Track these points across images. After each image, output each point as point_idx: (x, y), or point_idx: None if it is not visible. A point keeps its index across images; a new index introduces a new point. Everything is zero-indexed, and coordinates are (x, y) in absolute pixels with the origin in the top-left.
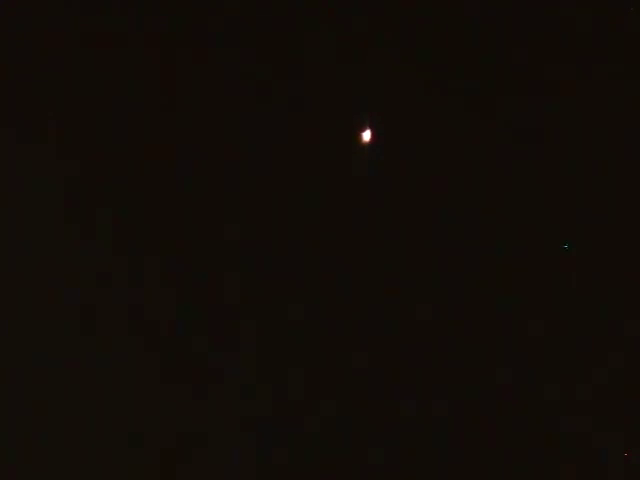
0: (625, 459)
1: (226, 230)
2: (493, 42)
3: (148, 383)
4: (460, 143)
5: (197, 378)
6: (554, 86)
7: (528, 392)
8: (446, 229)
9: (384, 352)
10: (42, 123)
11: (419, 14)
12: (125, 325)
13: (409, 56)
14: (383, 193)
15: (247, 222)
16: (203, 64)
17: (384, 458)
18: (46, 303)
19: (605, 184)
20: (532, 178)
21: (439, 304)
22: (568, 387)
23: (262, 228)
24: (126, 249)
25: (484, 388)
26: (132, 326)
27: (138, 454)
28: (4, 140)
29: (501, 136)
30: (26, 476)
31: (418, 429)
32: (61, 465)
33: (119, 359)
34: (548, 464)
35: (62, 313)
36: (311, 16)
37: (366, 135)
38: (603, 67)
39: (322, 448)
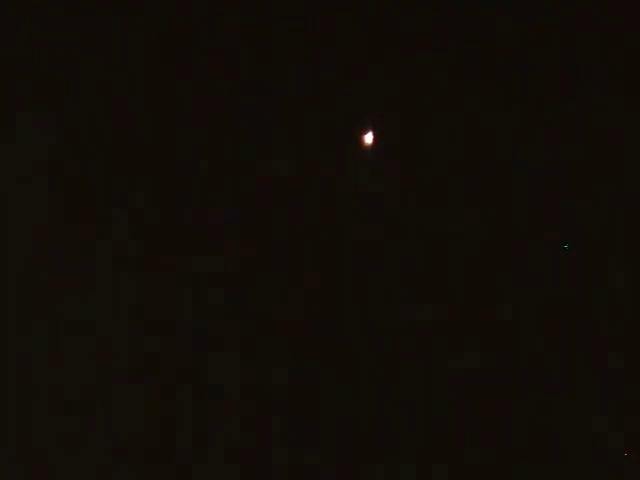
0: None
1: (226, 231)
2: (493, 43)
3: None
4: (460, 144)
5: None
6: (554, 86)
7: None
8: (447, 229)
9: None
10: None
11: (421, 15)
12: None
13: (410, 57)
14: (384, 194)
15: (247, 222)
16: (203, 64)
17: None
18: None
19: (605, 184)
20: (532, 178)
21: (439, 304)
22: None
23: (262, 229)
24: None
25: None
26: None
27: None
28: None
29: (502, 137)
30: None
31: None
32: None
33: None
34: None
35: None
36: (312, 17)
37: (368, 137)
38: (603, 67)
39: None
